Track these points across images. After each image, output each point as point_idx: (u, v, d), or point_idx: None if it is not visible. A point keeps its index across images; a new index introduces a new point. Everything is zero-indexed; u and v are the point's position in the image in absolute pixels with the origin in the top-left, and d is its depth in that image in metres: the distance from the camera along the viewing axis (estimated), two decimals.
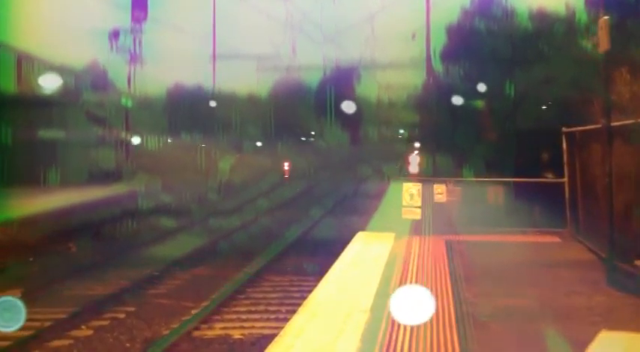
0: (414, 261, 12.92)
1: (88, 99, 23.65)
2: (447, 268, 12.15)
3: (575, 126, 16.97)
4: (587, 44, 28.99)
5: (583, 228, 15.70)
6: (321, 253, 19.00)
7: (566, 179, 17.18)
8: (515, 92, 28.41)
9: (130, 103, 29.07)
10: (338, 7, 36.01)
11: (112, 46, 30.28)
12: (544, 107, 27.20)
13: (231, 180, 36.34)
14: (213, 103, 40.61)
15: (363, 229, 19.25)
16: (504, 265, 12.77)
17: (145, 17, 31.02)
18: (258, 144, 45.14)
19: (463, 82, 32.07)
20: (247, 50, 39.09)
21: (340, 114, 46.97)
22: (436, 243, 15.20)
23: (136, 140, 30.43)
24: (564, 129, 17.36)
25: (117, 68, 30.03)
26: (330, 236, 21.65)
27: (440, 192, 17.06)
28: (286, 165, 42.78)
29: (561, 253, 14.32)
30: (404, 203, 16.70)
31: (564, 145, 17.36)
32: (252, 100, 46.33)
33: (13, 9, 21.11)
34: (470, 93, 31.16)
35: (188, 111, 39.14)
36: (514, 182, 19.16)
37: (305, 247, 21.06)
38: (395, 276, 11.22)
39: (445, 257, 13.33)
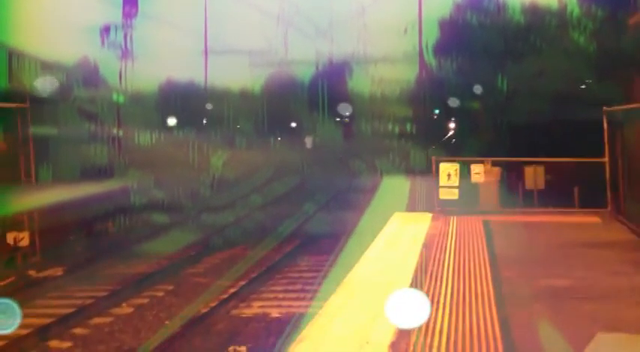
0: (451, 240, 12.85)
1: (80, 96, 23.77)
2: (485, 248, 12.05)
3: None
4: (579, 37, 28.69)
5: (624, 208, 15.45)
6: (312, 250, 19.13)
7: (606, 158, 16.90)
8: (508, 85, 28.16)
9: (121, 99, 29.25)
10: (330, 1, 35.57)
11: (103, 42, 30.41)
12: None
13: (223, 175, 36.44)
14: (209, 105, 40.79)
15: (355, 224, 19.38)
16: (544, 245, 12.63)
17: (136, 12, 31.10)
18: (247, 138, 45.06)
19: (456, 75, 31.89)
20: (240, 45, 38.77)
21: (333, 108, 46.94)
22: (473, 223, 15.08)
23: (128, 136, 30.59)
24: (605, 107, 17.06)
25: (108, 64, 30.20)
26: (323, 232, 21.70)
27: (477, 171, 16.90)
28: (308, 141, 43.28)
29: (602, 233, 14.11)
30: (441, 183, 16.58)
31: (604, 124, 17.06)
32: (244, 95, 46.26)
33: (3, 5, 21.18)
34: (463, 87, 31.00)
35: (180, 107, 39.13)
36: (552, 162, 18.90)
37: (299, 241, 20.99)
38: (433, 256, 11.16)
39: (483, 237, 13.22)
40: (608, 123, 16.92)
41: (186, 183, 31.45)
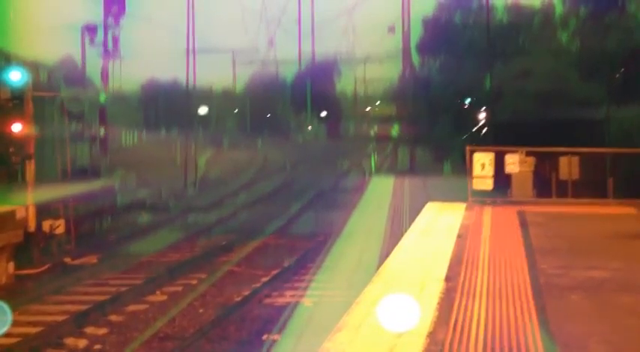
0: (486, 230, 12.76)
1: (63, 95, 23.87)
2: (520, 239, 11.95)
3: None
4: (563, 36, 28.44)
5: None
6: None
7: None
8: (493, 84, 27.96)
9: (105, 98, 29.33)
10: (315, 1, 35.28)
11: (87, 41, 30.46)
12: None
13: (207, 174, 36.37)
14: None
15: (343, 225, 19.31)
16: (580, 236, 12.50)
17: (123, 11, 31.09)
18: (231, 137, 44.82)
19: (440, 74, 31.72)
20: (224, 44, 38.59)
21: (318, 108, 46.75)
22: (508, 213, 14.97)
23: (112, 135, 30.67)
24: None
25: (92, 63, 30.31)
26: (308, 232, 21.67)
27: (512, 161, 16.75)
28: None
29: (638, 225, 13.92)
30: (475, 173, 16.47)
31: None
32: (228, 94, 46.12)
33: None
34: (447, 86, 30.81)
35: (164, 106, 39.12)
36: (586, 152, 18.66)
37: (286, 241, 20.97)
38: (468, 246, 11.10)
39: (519, 227, 13.11)
40: None
41: (169, 183, 31.55)
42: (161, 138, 37.73)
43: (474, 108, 30.77)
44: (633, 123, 23.30)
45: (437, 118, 32.45)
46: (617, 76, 23.05)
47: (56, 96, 19.42)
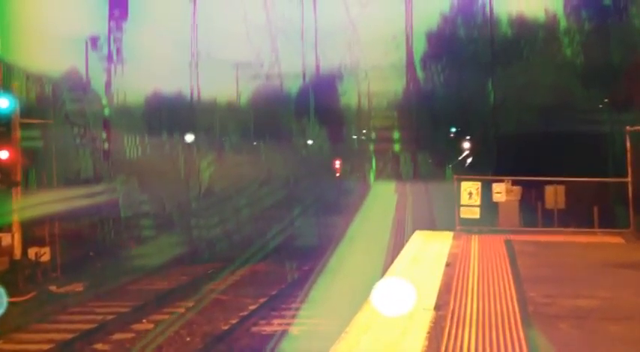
0: (474, 259, 12.78)
1: (68, 107, 23.96)
2: (508, 267, 11.98)
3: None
4: (566, 50, 28.83)
5: None
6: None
7: (629, 178, 16.78)
8: (496, 96, 28.29)
9: (109, 110, 29.53)
10: (318, 14, 35.63)
11: (91, 52, 30.65)
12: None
13: (210, 187, 36.52)
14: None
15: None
16: (568, 265, 12.54)
17: (125, 20, 31.38)
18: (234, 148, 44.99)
19: (443, 87, 32.07)
20: (228, 57, 38.88)
21: (322, 121, 47.08)
22: (496, 242, 15.02)
23: (115, 146, 30.76)
24: (628, 127, 16.98)
25: (97, 74, 30.43)
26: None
27: (499, 191, 16.85)
28: (337, 163, 43.07)
29: (626, 254, 13.99)
30: (462, 202, 16.54)
31: (627, 144, 16.97)
32: (232, 107, 46.41)
33: None
34: (450, 98, 31.13)
35: (168, 118, 39.25)
36: (572, 181, 18.79)
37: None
38: (457, 275, 11.11)
39: (506, 256, 13.14)
40: (631, 143, 16.83)
41: (173, 196, 31.62)
42: (165, 151, 37.75)
43: (476, 121, 30.95)
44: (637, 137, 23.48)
45: (439, 127, 32.71)
46: (621, 88, 23.30)
47: (46, 123, 19.40)
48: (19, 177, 18.48)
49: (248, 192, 37.28)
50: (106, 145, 28.73)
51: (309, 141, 50.50)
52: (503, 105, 28.02)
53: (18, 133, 18.70)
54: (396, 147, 38.22)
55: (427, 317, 8.36)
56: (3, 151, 18.08)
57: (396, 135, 39.00)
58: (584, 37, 28.59)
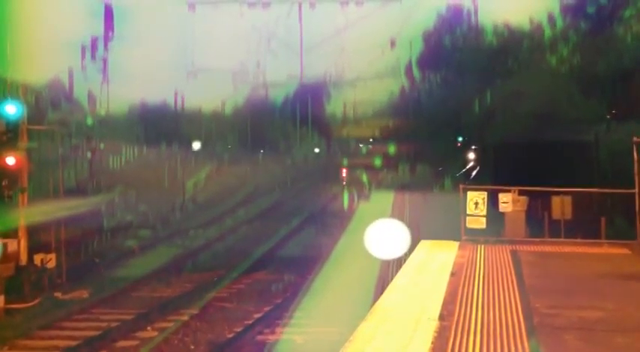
0: (479, 269, 12.73)
1: (52, 117, 23.99)
2: (514, 278, 11.93)
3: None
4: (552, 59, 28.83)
5: None
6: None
7: (636, 190, 16.70)
8: (491, 105, 28.31)
9: (94, 120, 29.56)
10: (305, 24, 35.73)
11: (78, 62, 30.78)
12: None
13: (197, 197, 36.56)
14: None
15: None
16: (573, 276, 12.48)
17: (112, 33, 31.51)
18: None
19: (435, 95, 32.11)
20: (215, 66, 39.00)
21: (309, 129, 47.12)
22: (501, 252, 14.96)
23: (100, 156, 30.84)
24: (635, 138, 16.91)
25: (82, 84, 30.58)
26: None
27: (505, 201, 16.78)
28: (344, 171, 43.15)
29: (632, 265, 13.91)
30: (468, 212, 16.48)
31: (635, 155, 16.90)
32: (218, 117, 46.40)
33: None
34: (444, 106, 31.14)
35: (154, 128, 39.30)
36: (579, 192, 18.72)
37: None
38: (462, 285, 11.07)
39: (512, 267, 13.09)
40: (638, 154, 16.75)
41: (160, 205, 31.65)
42: (150, 160, 37.78)
43: (473, 128, 30.96)
44: (623, 145, 23.43)
45: (434, 136, 32.75)
46: (607, 97, 23.38)
47: (52, 129, 19.50)
48: (25, 184, 18.54)
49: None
50: (89, 154, 28.76)
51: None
52: (493, 113, 28.06)
53: (25, 140, 18.77)
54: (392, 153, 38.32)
55: (431, 327, 8.33)
56: (10, 157, 18.15)
57: (391, 146, 39.08)
58: (571, 46, 28.62)
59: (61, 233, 19.41)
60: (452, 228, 16.54)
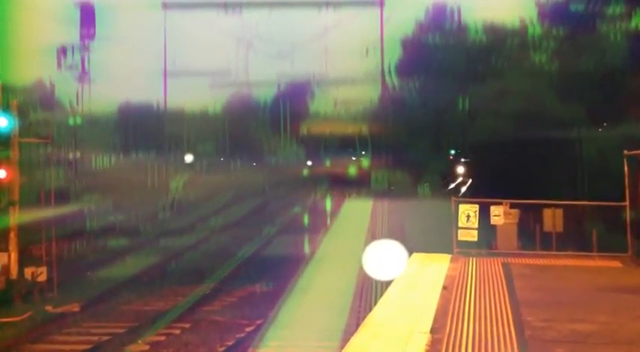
0: (471, 282, 12.74)
1: (34, 119, 23.86)
2: (506, 291, 11.94)
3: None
4: (536, 57, 28.85)
5: None
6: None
7: (627, 202, 16.76)
8: (470, 105, 28.32)
9: (77, 122, 29.45)
10: (290, 23, 35.90)
11: (59, 64, 30.69)
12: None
13: (182, 199, 36.50)
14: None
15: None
16: (565, 289, 12.50)
17: (94, 34, 31.53)
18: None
19: (418, 95, 32.14)
20: (200, 66, 38.98)
21: (294, 131, 46.98)
22: (493, 265, 14.98)
23: (83, 158, 30.74)
24: (625, 152, 16.99)
25: (65, 86, 30.41)
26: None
27: (497, 214, 16.82)
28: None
29: (624, 278, 13.95)
30: (460, 224, 16.51)
31: (625, 168, 16.97)
32: (204, 117, 46.31)
33: None
34: (424, 107, 31.14)
35: (138, 130, 39.21)
36: (569, 205, 18.78)
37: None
38: (453, 298, 11.07)
39: (503, 279, 13.10)
40: (629, 167, 16.83)
41: (143, 207, 31.55)
42: (133, 161, 37.64)
43: (451, 131, 30.98)
44: (607, 143, 23.50)
45: (413, 141, 32.72)
46: (593, 96, 23.46)
47: (46, 142, 19.43)
48: (16, 196, 18.46)
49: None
50: (71, 156, 28.68)
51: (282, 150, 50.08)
52: (478, 113, 28.07)
53: (17, 153, 18.71)
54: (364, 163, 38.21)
55: (423, 340, 8.32)
56: (1, 170, 18.09)
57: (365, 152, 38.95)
58: (555, 44, 28.69)
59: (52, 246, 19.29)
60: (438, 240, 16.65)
